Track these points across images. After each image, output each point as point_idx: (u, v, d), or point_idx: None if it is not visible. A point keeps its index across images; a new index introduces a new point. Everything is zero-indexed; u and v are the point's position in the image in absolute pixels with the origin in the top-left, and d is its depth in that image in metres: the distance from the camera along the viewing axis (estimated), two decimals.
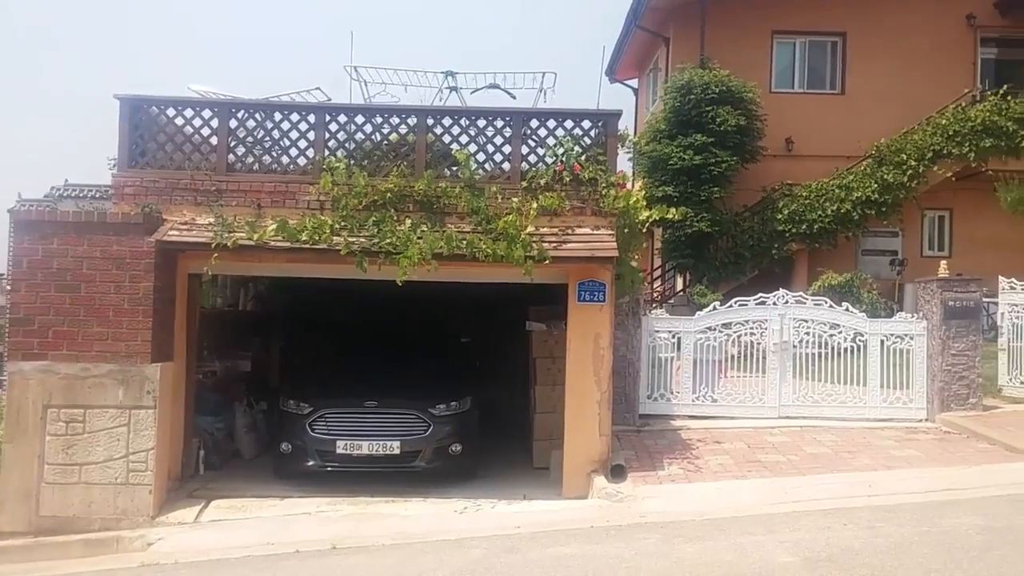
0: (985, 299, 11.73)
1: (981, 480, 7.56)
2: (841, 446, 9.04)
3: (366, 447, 8.47)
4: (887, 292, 16.29)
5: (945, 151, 16.41)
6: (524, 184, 8.32)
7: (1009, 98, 16.50)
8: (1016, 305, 11.21)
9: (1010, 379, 11.26)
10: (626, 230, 8.93)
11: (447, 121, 8.54)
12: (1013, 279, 11.45)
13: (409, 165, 8.36)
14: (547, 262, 7.80)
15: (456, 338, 11.37)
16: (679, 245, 16.76)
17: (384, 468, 8.59)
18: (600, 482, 7.84)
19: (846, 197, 16.49)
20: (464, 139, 8.47)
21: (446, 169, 8.46)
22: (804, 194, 16.74)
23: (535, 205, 8.09)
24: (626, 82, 23.69)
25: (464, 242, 7.78)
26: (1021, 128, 16.12)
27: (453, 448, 8.79)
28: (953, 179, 16.79)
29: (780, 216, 16.66)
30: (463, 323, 11.53)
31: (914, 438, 9.47)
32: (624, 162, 18.22)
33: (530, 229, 7.96)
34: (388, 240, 7.80)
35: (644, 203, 8.81)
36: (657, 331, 10.57)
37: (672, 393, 10.58)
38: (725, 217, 16.77)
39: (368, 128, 8.56)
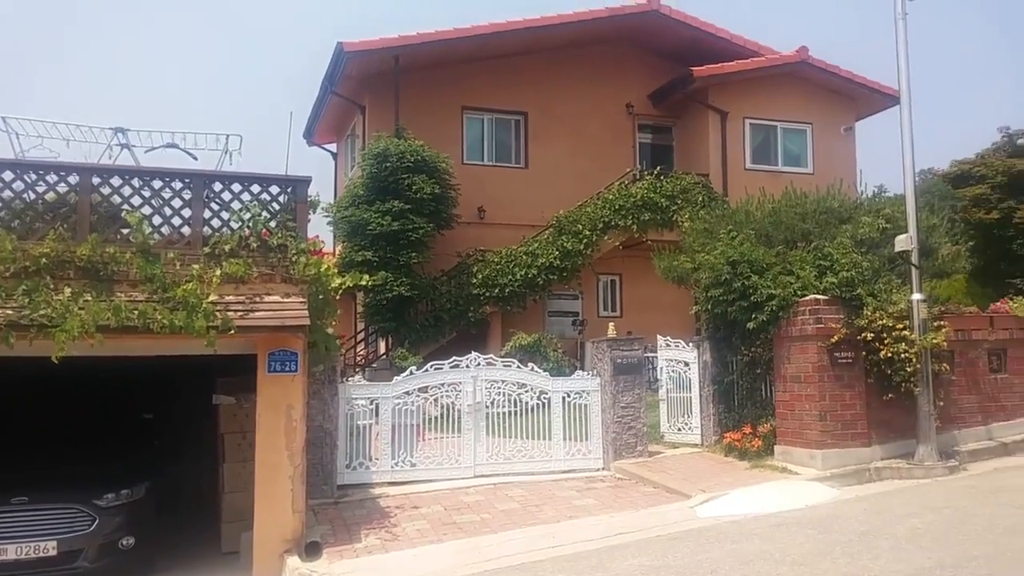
0: (649, 354, 13.21)
1: (647, 522, 8.33)
2: (530, 500, 9.50)
3: (12, 551, 7.31)
4: (571, 350, 17.75)
5: (613, 223, 18.45)
6: (207, 250, 7.85)
7: (662, 178, 19.06)
8: (671, 360, 12.72)
9: (670, 426, 12.68)
10: (320, 296, 8.78)
11: (116, 181, 7.82)
12: (668, 337, 12.99)
13: (70, 228, 7.51)
14: (232, 332, 7.37)
15: (135, 415, 10.29)
16: (380, 309, 16.87)
17: (37, 573, 7.43)
18: (293, 563, 7.43)
19: (532, 263, 17.79)
20: (137, 201, 7.81)
21: (117, 233, 7.72)
22: (496, 260, 17.78)
23: (219, 272, 7.65)
24: (324, 146, 23.71)
25: (136, 312, 7.10)
26: (672, 204, 18.63)
27: (125, 542, 7.89)
28: (621, 247, 18.93)
29: (475, 280, 17.52)
30: (145, 398, 10.49)
31: (593, 487, 10.25)
32: (324, 226, 18.11)
33: (213, 297, 7.50)
34: (42, 311, 6.88)
35: (336, 270, 8.72)
36: (355, 398, 10.42)
37: (371, 460, 10.45)
38: (424, 281, 17.25)
39: (19, 185, 7.55)
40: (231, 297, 7.71)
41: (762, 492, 9.07)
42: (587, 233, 18.21)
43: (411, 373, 10.88)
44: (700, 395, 12.13)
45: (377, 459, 10.47)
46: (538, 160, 20.07)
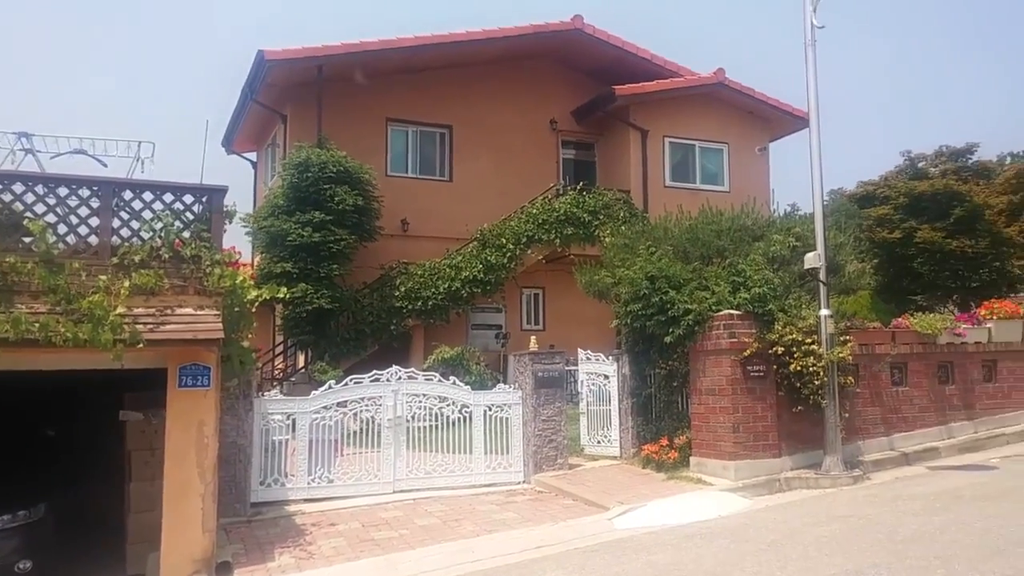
0: (570, 367, 13.34)
1: (566, 535, 8.39)
2: (449, 515, 9.45)
3: None
4: (494, 363, 17.76)
5: (537, 237, 18.60)
6: (115, 260, 7.58)
7: (584, 193, 19.32)
8: (592, 373, 12.87)
9: (590, 438, 12.82)
10: (236, 309, 8.57)
11: (19, 187, 7.47)
12: (589, 350, 13.15)
13: None
14: (141, 346, 7.12)
15: (36, 432, 9.83)
16: (299, 322, 16.56)
17: None
18: None
19: (456, 276, 17.77)
20: (41, 208, 7.49)
21: (18, 241, 7.38)
22: (419, 272, 17.69)
23: (127, 284, 7.39)
24: (244, 155, 23.21)
25: (37, 325, 6.78)
26: (594, 219, 18.90)
27: (21, 566, 7.52)
28: (544, 261, 19.09)
29: (398, 293, 17.38)
30: (48, 414, 10.02)
31: (513, 500, 10.27)
32: (242, 236, 17.71)
33: (121, 310, 7.23)
34: None
35: (252, 282, 8.53)
36: (271, 413, 10.19)
37: (287, 477, 10.23)
38: (345, 294, 17.02)
39: None
40: (140, 309, 7.46)
41: (677, 503, 9.25)
42: (511, 247, 18.30)
43: (330, 387, 10.70)
44: (619, 408, 12.31)
45: (293, 475, 10.26)
46: (463, 173, 20.11)
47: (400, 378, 10.96)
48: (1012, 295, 17.93)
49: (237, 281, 8.13)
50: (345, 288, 17.08)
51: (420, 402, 11.01)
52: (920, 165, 22.85)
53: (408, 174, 19.80)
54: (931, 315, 12.70)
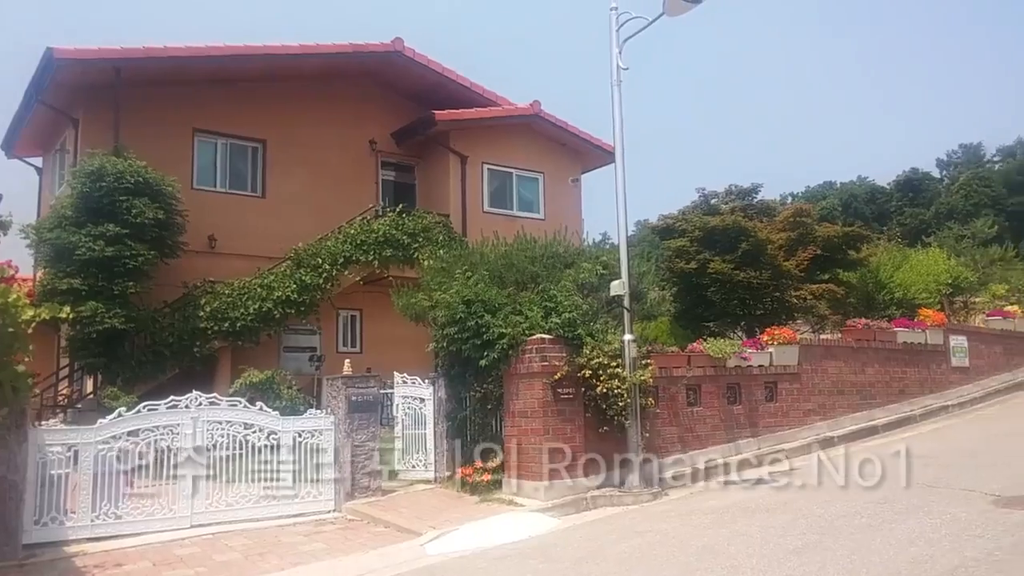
0: (387, 390, 13.15)
1: (375, 563, 8.20)
2: (253, 549, 8.96)
3: None
4: (308, 388, 17.15)
5: (354, 258, 18.27)
6: None
7: (404, 215, 19.25)
8: (408, 396, 12.76)
9: (405, 463, 12.66)
10: (9, 330, 7.72)
11: None
12: (406, 374, 13.04)
13: None
14: None
15: None
16: (88, 343, 15.21)
17: None
18: None
19: (268, 296, 17.05)
20: None
21: None
22: (227, 292, 16.83)
23: None
24: (27, 159, 21.11)
25: None
26: (414, 241, 18.86)
27: None
28: (362, 283, 18.78)
29: (202, 313, 16.43)
30: None
31: (322, 530, 9.92)
32: (22, 249, 16.07)
33: None
34: None
35: (29, 300, 7.73)
36: (49, 444, 9.23)
37: (67, 515, 9.29)
38: (143, 313, 15.87)
39: None
40: None
41: (489, 525, 9.31)
42: (327, 267, 17.85)
43: (120, 415, 9.86)
44: (435, 431, 12.27)
45: (75, 513, 9.34)
46: (277, 190, 19.44)
47: (200, 404, 10.30)
48: (790, 322, 19.73)
49: (10, 299, 7.35)
50: (142, 307, 15.92)
51: (223, 429, 10.40)
52: (713, 202, 24.74)
53: (217, 188, 18.86)
54: (722, 340, 13.65)
